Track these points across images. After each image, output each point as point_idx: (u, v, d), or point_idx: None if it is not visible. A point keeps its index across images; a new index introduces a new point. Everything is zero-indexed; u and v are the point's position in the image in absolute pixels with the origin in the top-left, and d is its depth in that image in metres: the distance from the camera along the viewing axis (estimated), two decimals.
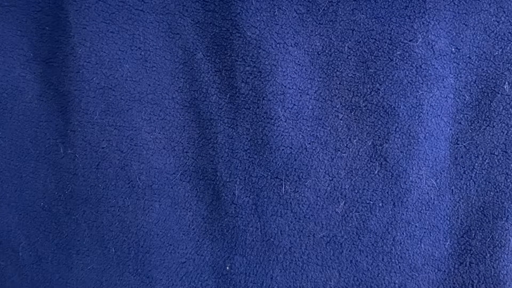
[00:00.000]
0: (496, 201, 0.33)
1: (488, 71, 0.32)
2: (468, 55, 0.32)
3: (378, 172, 0.33)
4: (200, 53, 0.34)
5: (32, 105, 0.36)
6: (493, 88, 0.32)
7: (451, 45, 0.32)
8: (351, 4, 0.33)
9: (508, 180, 0.32)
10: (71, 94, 0.35)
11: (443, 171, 0.33)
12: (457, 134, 0.33)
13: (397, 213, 0.33)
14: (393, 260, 0.33)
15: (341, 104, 0.33)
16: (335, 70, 0.33)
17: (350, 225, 0.34)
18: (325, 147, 0.34)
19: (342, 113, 0.33)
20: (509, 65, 0.32)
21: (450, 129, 0.33)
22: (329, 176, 0.34)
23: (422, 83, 0.32)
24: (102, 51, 0.35)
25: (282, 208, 0.34)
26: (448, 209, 0.33)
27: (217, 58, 0.34)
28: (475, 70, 0.32)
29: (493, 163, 0.33)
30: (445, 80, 0.32)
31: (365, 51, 0.33)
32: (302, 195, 0.34)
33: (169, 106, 0.35)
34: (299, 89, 0.34)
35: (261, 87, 0.34)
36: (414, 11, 0.32)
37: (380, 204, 0.33)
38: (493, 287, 0.33)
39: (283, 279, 0.34)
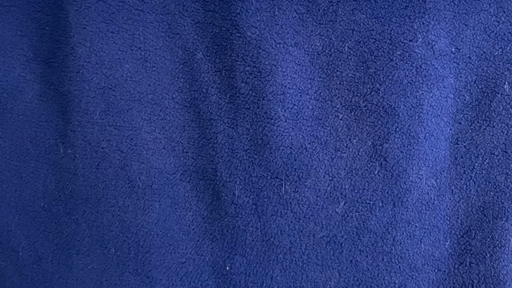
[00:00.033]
0: (496, 201, 0.33)
1: (488, 71, 0.32)
2: (468, 55, 0.32)
3: (378, 172, 0.33)
4: (200, 53, 0.34)
5: (32, 105, 0.36)
6: (493, 88, 0.32)
7: (451, 45, 0.32)
8: (351, 4, 0.33)
9: (508, 180, 0.32)
10: (71, 94, 0.35)
11: (443, 171, 0.33)
12: (457, 134, 0.33)
13: (397, 213, 0.33)
14: (393, 260, 0.33)
15: (341, 104, 0.33)
16: (335, 70, 0.33)
17: (350, 225, 0.34)
18: (325, 147, 0.34)
19: (342, 113, 0.33)
20: (509, 65, 0.32)
21: (450, 129, 0.33)
22: (329, 176, 0.34)
23: (422, 83, 0.32)
24: (102, 51, 0.35)
25: (282, 208, 0.34)
26: (448, 209, 0.33)
27: (217, 58, 0.34)
28: (475, 70, 0.32)
29: (493, 163, 0.33)
30: (445, 80, 0.32)
31: (365, 51, 0.33)
32: (302, 195, 0.34)
33: (169, 106, 0.35)
34: (299, 89, 0.34)
35: (261, 87, 0.34)
36: (414, 11, 0.32)
37: (380, 204, 0.33)
38: (493, 287, 0.33)
39: (283, 279, 0.34)
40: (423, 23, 0.32)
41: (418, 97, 0.32)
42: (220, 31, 0.34)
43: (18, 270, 0.37)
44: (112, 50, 0.34)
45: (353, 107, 0.33)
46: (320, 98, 0.34)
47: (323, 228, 0.34)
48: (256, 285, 0.35)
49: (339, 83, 0.33)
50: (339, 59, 0.33)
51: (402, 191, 0.33)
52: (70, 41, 0.35)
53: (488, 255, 0.33)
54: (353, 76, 0.33)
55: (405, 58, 0.32)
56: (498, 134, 0.32)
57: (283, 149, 0.34)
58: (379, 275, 0.34)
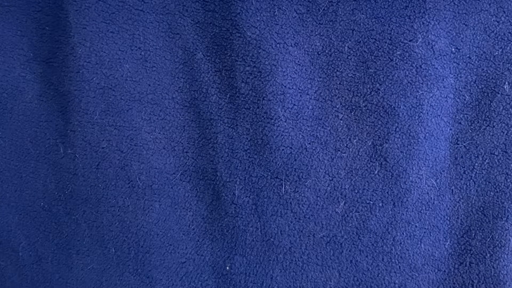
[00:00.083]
0: (496, 201, 0.33)
1: (488, 71, 0.32)
2: (468, 55, 0.32)
3: (378, 172, 0.33)
4: (200, 53, 0.34)
5: (32, 105, 0.36)
6: (493, 88, 0.32)
7: (451, 45, 0.32)
8: (351, 4, 0.33)
9: (508, 180, 0.32)
10: (71, 94, 0.35)
11: (443, 171, 0.33)
12: (457, 134, 0.33)
13: (397, 213, 0.33)
14: (393, 260, 0.33)
15: (341, 104, 0.33)
16: (335, 70, 0.33)
17: (350, 225, 0.34)
18: (325, 147, 0.34)
19: (342, 113, 0.33)
20: (509, 65, 0.32)
21: (450, 129, 0.33)
22: (329, 176, 0.34)
23: (422, 83, 0.32)
24: (102, 51, 0.35)
25: (282, 208, 0.34)
26: (448, 209, 0.33)
27: (217, 58, 0.34)
28: (475, 70, 0.32)
29: (493, 163, 0.33)
30: (445, 80, 0.32)
31: (365, 51, 0.33)
32: (302, 195, 0.34)
33: (169, 106, 0.35)
34: (299, 89, 0.34)
35: (261, 87, 0.34)
36: (414, 11, 0.32)
37: (380, 204, 0.33)
38: (493, 287, 0.33)
39: (283, 279, 0.34)
40: (423, 23, 0.32)
41: (418, 97, 0.32)
42: (220, 31, 0.34)
43: (18, 270, 0.37)
44: (112, 50, 0.34)
45: (353, 107, 0.33)
46: (320, 98, 0.34)
47: (323, 228, 0.34)
48: (256, 285, 0.35)
49: (339, 83, 0.33)
50: (339, 59, 0.33)
51: (402, 191, 0.33)
52: (70, 41, 0.35)
53: (488, 255, 0.33)
54: (353, 76, 0.33)
55: (405, 58, 0.32)
56: (498, 134, 0.32)
57: (283, 149, 0.34)
58: (379, 275, 0.34)
